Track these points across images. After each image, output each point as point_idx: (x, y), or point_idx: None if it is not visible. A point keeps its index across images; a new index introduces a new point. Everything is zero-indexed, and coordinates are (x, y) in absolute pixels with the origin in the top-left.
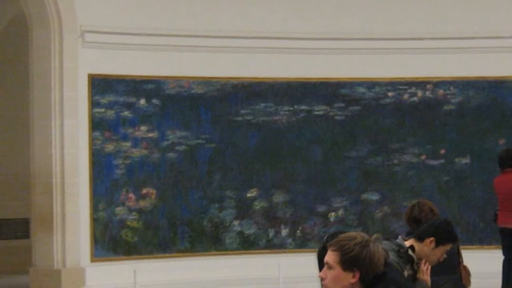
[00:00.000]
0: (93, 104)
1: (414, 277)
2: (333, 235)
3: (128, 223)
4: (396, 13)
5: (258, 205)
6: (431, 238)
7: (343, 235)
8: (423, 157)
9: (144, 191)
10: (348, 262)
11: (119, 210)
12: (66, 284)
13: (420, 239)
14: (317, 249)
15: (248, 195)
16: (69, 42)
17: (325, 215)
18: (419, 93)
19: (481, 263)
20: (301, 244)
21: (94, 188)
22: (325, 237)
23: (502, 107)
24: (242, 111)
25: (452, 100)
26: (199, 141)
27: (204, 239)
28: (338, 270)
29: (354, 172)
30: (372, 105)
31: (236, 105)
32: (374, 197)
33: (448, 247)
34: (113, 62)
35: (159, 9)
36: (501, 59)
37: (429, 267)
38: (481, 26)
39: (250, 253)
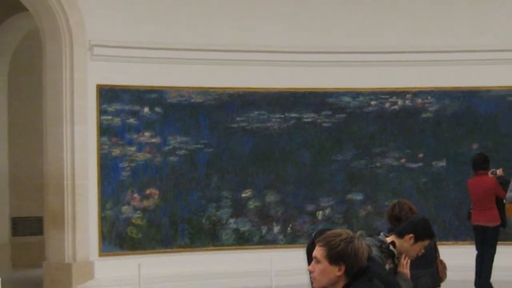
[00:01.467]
0: (101, 112)
1: (395, 270)
2: (321, 232)
3: (133, 221)
4: (378, 29)
5: (252, 204)
6: (411, 235)
7: (330, 232)
8: (403, 160)
9: (148, 191)
10: (335, 256)
11: (124, 209)
12: (77, 277)
13: (401, 235)
14: (306, 245)
15: (243, 195)
16: (79, 55)
17: (313, 214)
18: (399, 102)
19: (456, 257)
20: (291, 240)
21: (102, 189)
22: (313, 234)
23: (475, 115)
24: (238, 119)
25: (430, 109)
26: (198, 146)
27: (202, 235)
28: (325, 264)
29: (340, 174)
30: (357, 113)
31: (232, 113)
32: (358, 197)
33: (426, 243)
34: (119, 74)
35: (161, 25)
36: (474, 71)
37: (409, 261)
38: (455, 41)
39: (244, 249)
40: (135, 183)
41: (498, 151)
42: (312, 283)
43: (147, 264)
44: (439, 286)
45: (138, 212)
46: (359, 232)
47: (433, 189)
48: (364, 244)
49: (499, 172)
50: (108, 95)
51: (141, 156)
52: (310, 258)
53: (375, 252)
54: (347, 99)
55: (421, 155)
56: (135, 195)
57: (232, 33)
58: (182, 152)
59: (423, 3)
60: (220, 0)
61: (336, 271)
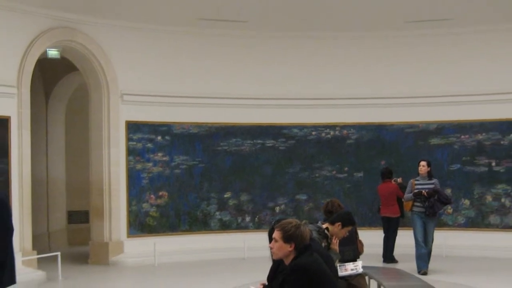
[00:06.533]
0: (128, 139)
1: (328, 247)
2: (278, 221)
3: (150, 213)
4: (317, 82)
5: (231, 202)
6: (339, 223)
7: (284, 221)
8: (334, 172)
9: (160, 193)
10: (288, 237)
11: (144, 205)
12: (112, 252)
13: (332, 223)
14: (268, 229)
15: (225, 196)
16: (113, 101)
17: (273, 208)
18: (332, 133)
19: (370, 238)
20: (258, 226)
21: (129, 191)
22: (273, 222)
23: (383, 141)
24: (221, 144)
25: (352, 137)
26: (194, 162)
27: (197, 223)
28: (281, 242)
29: (291, 182)
30: (302, 140)
31: (217, 140)
32: (303, 197)
33: (349, 228)
34: (141, 113)
35: (169, 80)
36: (382, 111)
37: (338, 241)
38: (370, 90)
39: (226, 232)
40: (151, 187)
41: (399, 166)
42: (272, 255)
43: (160, 243)
44: (359, 257)
45: (154, 207)
46: (304, 221)
47: (354, 191)
48: (308, 229)
49: (399, 180)
50: (133, 128)
51: (156, 169)
52: (270, 239)
53: (315, 234)
54: (296, 130)
55: (346, 168)
56: (152, 196)
57: (217, 85)
58: (184, 166)
59: (346, 65)
60: (208, 63)
61: (288, 248)
